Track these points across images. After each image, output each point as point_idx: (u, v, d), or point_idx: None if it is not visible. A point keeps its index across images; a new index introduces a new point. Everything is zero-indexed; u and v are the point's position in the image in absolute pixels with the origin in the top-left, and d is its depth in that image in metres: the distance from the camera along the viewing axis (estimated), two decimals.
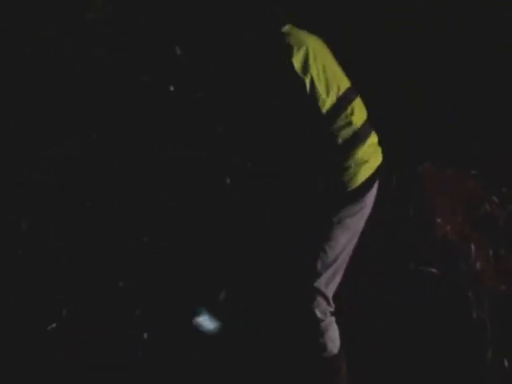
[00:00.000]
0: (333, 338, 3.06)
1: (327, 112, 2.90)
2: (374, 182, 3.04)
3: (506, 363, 3.38)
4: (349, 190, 2.94)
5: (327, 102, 2.90)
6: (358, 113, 3.00)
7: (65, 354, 3.09)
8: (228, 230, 3.31)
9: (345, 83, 3.02)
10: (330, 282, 3.02)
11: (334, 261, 3.00)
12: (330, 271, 3.00)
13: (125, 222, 3.42)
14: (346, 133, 2.92)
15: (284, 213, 3.03)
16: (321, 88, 2.89)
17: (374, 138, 3.06)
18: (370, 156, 3.00)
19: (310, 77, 2.88)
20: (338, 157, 2.92)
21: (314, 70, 2.89)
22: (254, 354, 3.31)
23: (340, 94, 2.95)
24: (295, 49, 2.89)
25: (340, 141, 2.91)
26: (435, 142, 4.08)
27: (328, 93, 2.91)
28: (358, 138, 2.96)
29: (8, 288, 3.21)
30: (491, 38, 4.24)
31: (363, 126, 3.01)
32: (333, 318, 3.06)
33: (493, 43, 4.24)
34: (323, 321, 3.01)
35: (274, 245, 3.15)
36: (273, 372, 3.24)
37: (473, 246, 3.76)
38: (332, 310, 3.06)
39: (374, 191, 3.06)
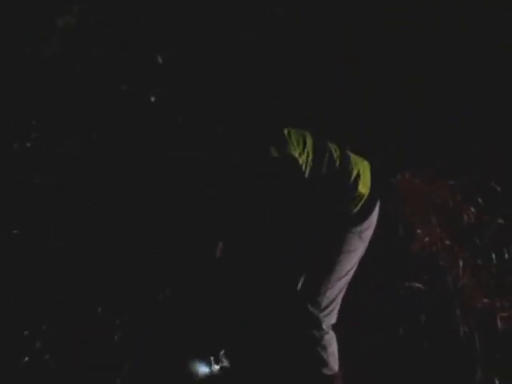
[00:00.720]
0: (334, 354, 3.02)
1: None
2: (378, 191, 3.04)
3: (498, 383, 3.30)
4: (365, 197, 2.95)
5: None
6: None
7: (64, 353, 3.10)
8: (227, 233, 3.29)
9: None
10: (338, 294, 2.99)
11: (346, 274, 2.99)
12: (340, 284, 2.99)
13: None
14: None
15: (293, 219, 2.96)
16: None
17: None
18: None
19: None
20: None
21: None
22: (254, 366, 3.27)
23: None
24: None
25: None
26: (410, 152, 4.03)
27: None
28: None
29: (7, 288, 3.19)
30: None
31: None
32: (334, 334, 3.03)
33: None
34: (327, 333, 2.98)
35: (279, 251, 3.09)
36: None
37: (455, 258, 3.71)
38: (334, 324, 3.02)
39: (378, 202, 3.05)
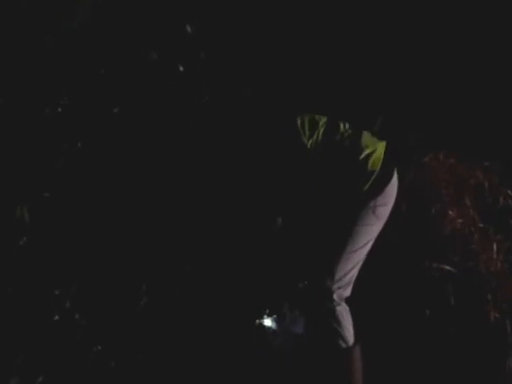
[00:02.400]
0: (348, 327, 2.98)
1: None
2: (393, 170, 3.07)
3: None
4: (377, 173, 2.99)
5: None
6: None
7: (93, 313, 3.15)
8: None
9: None
10: (352, 268, 2.98)
11: (360, 248, 2.99)
12: (354, 258, 2.98)
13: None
14: None
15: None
16: None
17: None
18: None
19: None
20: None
21: None
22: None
23: None
24: None
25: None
26: (445, 132, 3.90)
27: None
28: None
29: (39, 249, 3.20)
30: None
31: None
32: (348, 307, 2.99)
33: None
34: (340, 305, 2.96)
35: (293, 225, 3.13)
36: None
37: (489, 241, 3.61)
38: (348, 297, 3.00)
39: (394, 182, 3.07)
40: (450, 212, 3.68)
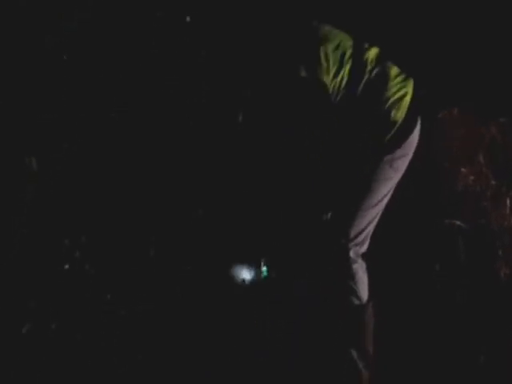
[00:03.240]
0: (363, 284, 2.91)
1: None
2: (416, 120, 2.88)
3: None
4: (399, 123, 2.80)
5: None
6: None
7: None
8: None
9: None
10: (368, 224, 2.88)
11: (377, 204, 2.87)
12: (371, 214, 2.87)
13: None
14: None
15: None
16: None
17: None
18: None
19: None
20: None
21: None
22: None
23: None
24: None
25: None
26: (459, 88, 3.81)
27: None
28: None
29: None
30: None
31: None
32: (364, 264, 2.92)
33: None
34: (356, 262, 2.88)
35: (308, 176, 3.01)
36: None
37: (501, 198, 3.54)
38: (364, 252, 2.92)
39: (416, 132, 2.90)
40: (463, 169, 3.64)
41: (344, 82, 2.76)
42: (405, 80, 2.88)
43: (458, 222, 3.49)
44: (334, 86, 2.75)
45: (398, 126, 2.81)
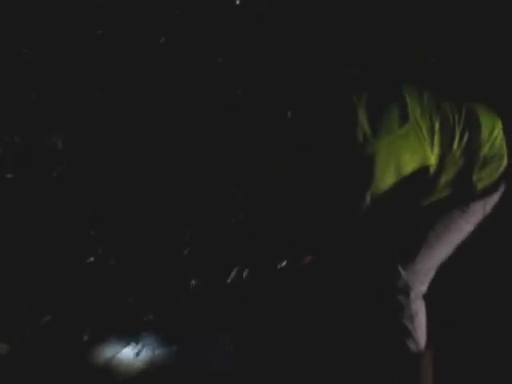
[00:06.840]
0: (421, 327, 2.63)
1: None
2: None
3: None
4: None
5: None
6: None
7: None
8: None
9: None
10: (433, 266, 2.66)
11: (445, 252, 2.67)
12: (437, 257, 2.65)
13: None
14: None
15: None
16: None
17: None
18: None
19: None
20: None
21: None
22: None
23: None
24: None
25: None
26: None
27: None
28: None
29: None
30: None
31: None
32: (424, 304, 2.65)
33: None
34: (415, 302, 2.61)
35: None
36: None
37: None
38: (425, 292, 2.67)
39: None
40: None
41: (438, 152, 2.52)
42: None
43: None
44: (435, 158, 2.52)
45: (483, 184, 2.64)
